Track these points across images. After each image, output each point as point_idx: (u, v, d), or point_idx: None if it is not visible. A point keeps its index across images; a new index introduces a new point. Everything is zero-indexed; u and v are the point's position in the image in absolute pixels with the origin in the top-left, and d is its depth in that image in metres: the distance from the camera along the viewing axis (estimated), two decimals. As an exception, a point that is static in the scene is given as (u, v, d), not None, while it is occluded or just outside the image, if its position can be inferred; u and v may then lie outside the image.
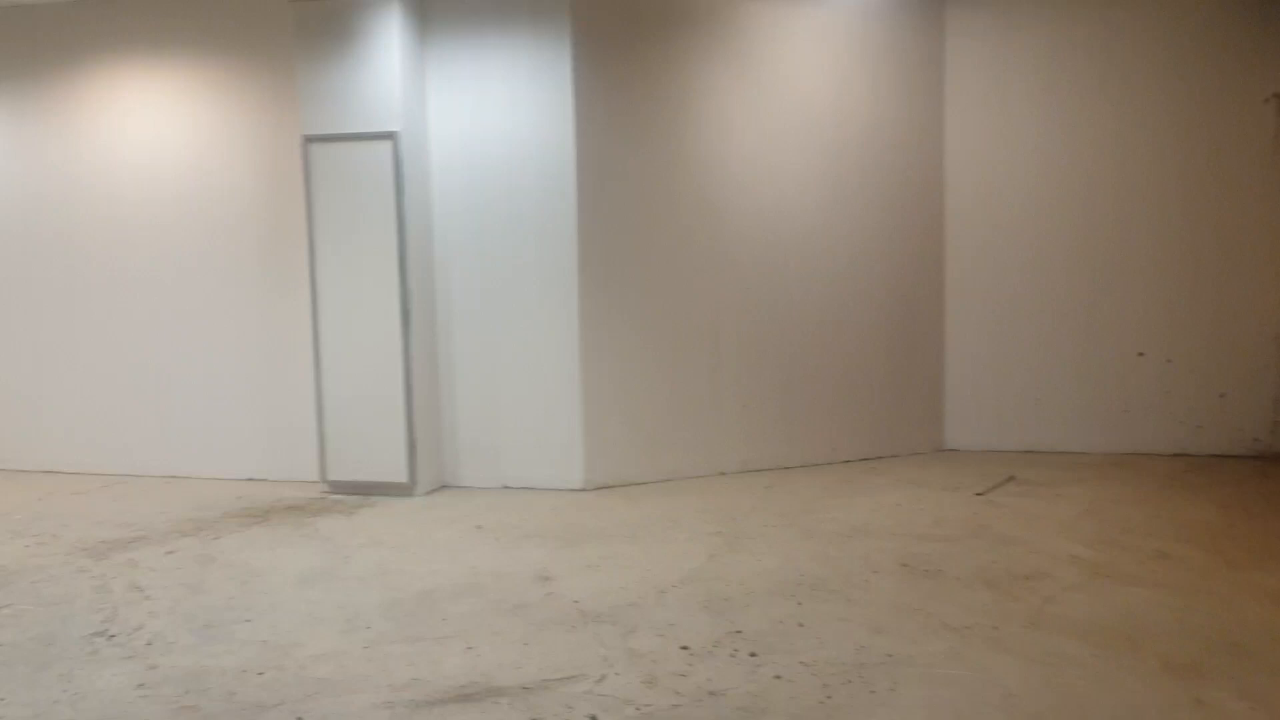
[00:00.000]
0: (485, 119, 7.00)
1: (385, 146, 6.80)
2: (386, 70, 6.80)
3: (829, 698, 3.81)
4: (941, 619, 4.56)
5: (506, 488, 7.17)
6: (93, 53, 7.74)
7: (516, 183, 6.98)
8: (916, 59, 7.81)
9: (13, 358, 8.16)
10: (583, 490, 7.03)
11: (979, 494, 6.75)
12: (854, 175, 7.66)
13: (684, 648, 4.29)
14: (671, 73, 7.15)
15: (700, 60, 7.21)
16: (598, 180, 6.98)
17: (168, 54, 7.61)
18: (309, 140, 6.95)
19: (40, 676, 4.13)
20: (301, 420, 7.40)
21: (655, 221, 7.18)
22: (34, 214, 8.01)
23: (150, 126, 7.70)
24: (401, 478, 6.99)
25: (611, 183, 7.03)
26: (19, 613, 4.87)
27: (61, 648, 4.42)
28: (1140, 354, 7.79)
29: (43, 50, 7.83)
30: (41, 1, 7.69)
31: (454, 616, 4.71)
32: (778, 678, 3.98)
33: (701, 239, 7.31)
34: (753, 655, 4.20)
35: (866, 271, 7.76)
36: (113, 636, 4.54)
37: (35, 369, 8.11)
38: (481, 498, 6.96)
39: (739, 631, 4.46)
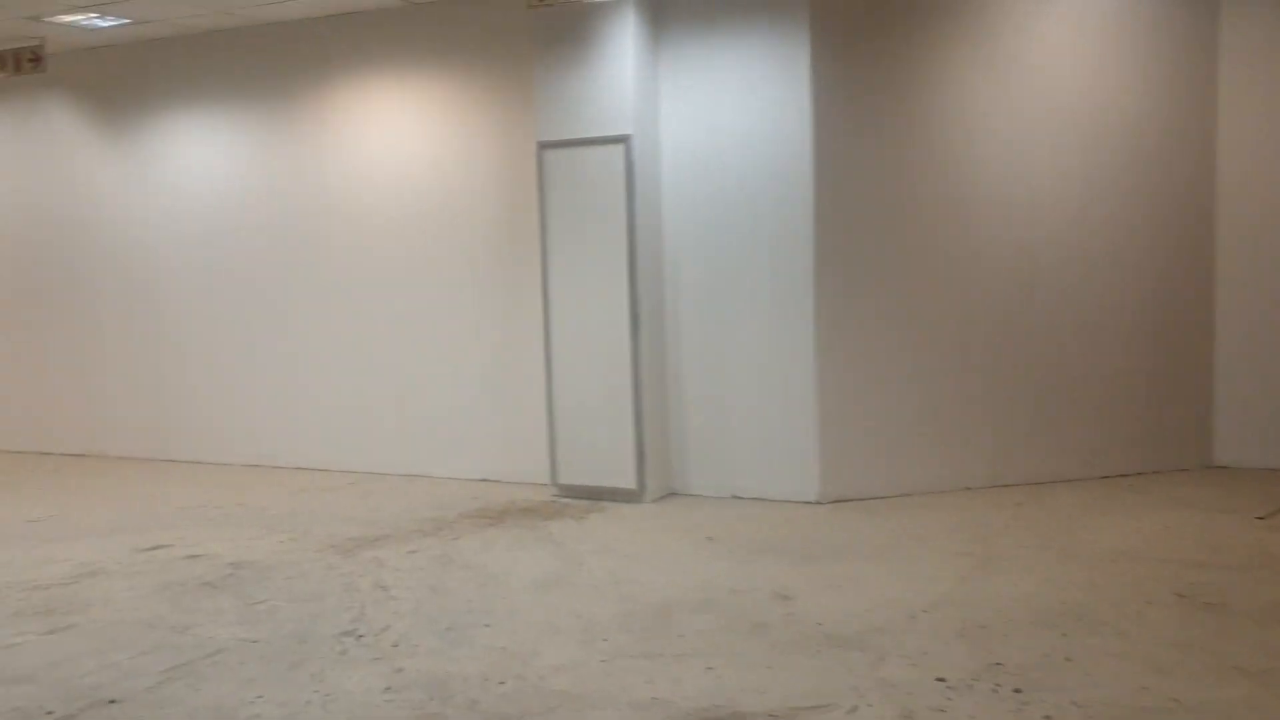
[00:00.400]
0: (718, 119, 6.84)
1: (617, 150, 6.75)
2: (620, 73, 6.74)
3: (1111, 747, 3.44)
4: (1232, 660, 4.08)
5: (736, 497, 6.99)
6: (341, 66, 8.05)
7: (750, 183, 6.79)
8: (1185, 41, 7.15)
9: (269, 360, 8.59)
10: (817, 503, 6.76)
11: (1260, 518, 6.10)
12: (1112, 168, 7.08)
13: (940, 679, 3.99)
14: (915, 65, 6.79)
15: (945, 51, 6.83)
16: (836, 179, 6.71)
17: (410, 65, 7.83)
18: (543, 146, 6.98)
19: (294, 675, 4.22)
20: (533, 423, 7.45)
21: (897, 221, 6.85)
22: (287, 222, 8.41)
23: (392, 135, 7.95)
24: (630, 484, 6.92)
25: (851, 181, 6.75)
26: (274, 609, 5.04)
27: (313, 646, 4.53)
28: None
29: (296, 64, 8.21)
30: (295, 18, 8.06)
31: (691, 633, 4.56)
32: (1048, 718, 3.63)
33: (946, 239, 6.92)
34: (1017, 691, 3.86)
35: (1127, 271, 7.16)
36: (360, 636, 4.62)
37: (289, 370, 8.51)
38: (711, 507, 6.81)
39: (999, 664, 4.11)
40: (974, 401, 7.02)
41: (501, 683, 4.08)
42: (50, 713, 3.91)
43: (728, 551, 5.78)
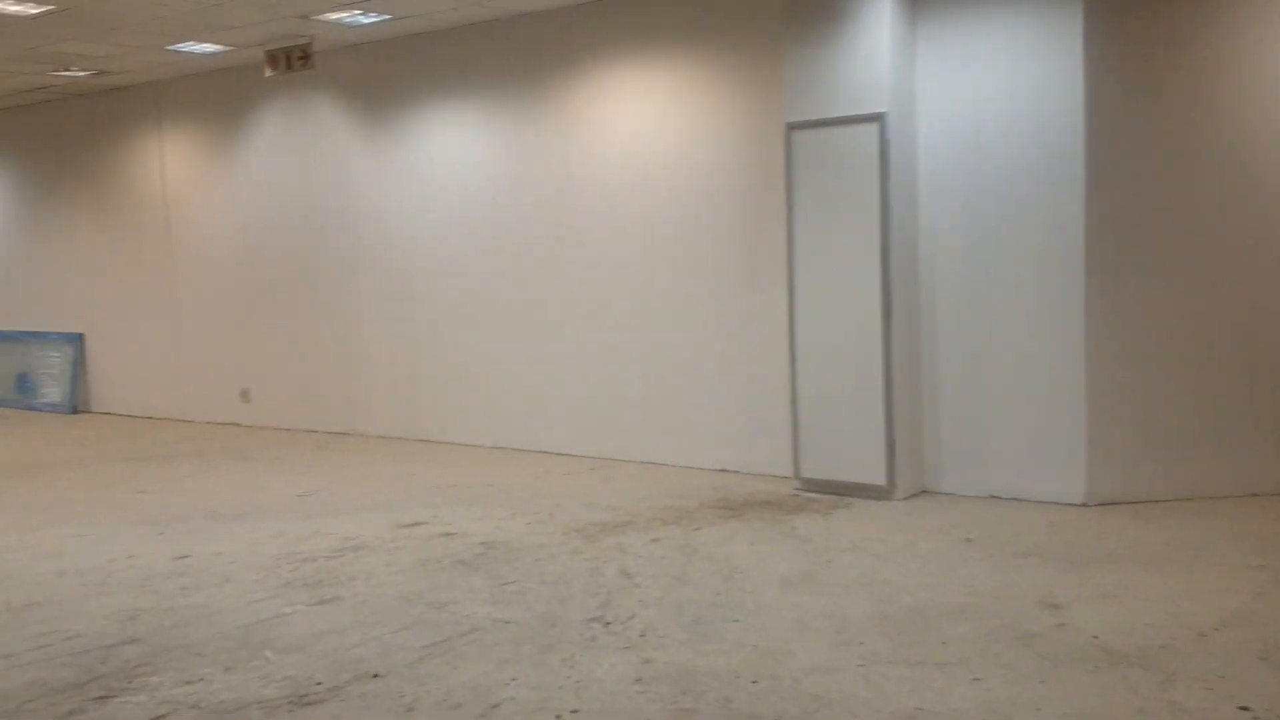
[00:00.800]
0: (981, 95, 6.45)
1: (871, 129, 6.47)
2: (875, 48, 6.46)
3: None
4: None
5: (994, 497, 6.60)
6: (588, 53, 8.10)
7: (1014, 162, 6.37)
8: None
9: (516, 345, 8.78)
10: (1084, 505, 6.30)
11: None
12: None
13: (1243, 708, 3.58)
14: (1202, 32, 6.20)
15: (1239, 17, 6.20)
16: (1110, 160, 6.21)
17: (655, 49, 7.79)
18: (792, 128, 6.78)
19: (545, 659, 4.23)
20: (775, 414, 7.28)
21: (1178, 203, 6.28)
22: (535, 212, 8.55)
23: (638, 122, 7.93)
24: (879, 480, 6.65)
25: (1127, 162, 6.23)
26: (524, 590, 5.09)
27: (562, 630, 4.53)
28: None
29: (545, 54, 8.32)
30: (543, 9, 8.17)
31: (954, 640, 4.29)
32: (1379, 764, 3.20)
33: (1236, 223, 6.30)
34: (1338, 729, 3.42)
35: None
36: (608, 624, 4.59)
37: (534, 356, 8.67)
38: (966, 507, 6.45)
39: (1312, 695, 3.67)
40: (1262, 398, 6.37)
41: (754, 681, 3.95)
42: (319, 683, 4.06)
43: (988, 554, 5.45)
